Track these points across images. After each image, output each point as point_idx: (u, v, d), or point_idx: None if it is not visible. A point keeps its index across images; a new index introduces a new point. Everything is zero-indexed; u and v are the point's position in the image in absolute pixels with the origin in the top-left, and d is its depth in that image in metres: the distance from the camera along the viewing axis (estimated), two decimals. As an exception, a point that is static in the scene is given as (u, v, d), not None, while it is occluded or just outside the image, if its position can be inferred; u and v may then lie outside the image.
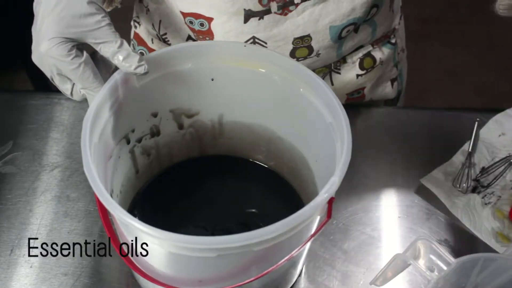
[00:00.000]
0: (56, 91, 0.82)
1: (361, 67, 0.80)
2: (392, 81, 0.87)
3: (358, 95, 0.83)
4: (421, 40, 2.13)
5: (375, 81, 0.83)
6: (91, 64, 0.54)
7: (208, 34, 0.72)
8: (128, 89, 0.58)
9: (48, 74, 0.55)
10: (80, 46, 0.54)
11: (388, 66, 0.84)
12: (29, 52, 0.55)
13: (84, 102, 0.56)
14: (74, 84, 0.56)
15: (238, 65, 0.62)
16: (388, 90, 0.86)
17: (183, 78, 0.62)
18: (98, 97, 0.54)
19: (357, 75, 0.80)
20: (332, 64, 0.79)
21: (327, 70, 0.79)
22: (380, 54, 0.81)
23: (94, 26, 0.54)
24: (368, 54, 0.80)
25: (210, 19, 0.70)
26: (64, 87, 0.56)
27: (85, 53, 0.54)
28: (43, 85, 1.66)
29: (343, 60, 0.79)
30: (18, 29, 1.44)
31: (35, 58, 0.55)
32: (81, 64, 0.53)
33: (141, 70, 0.54)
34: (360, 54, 0.80)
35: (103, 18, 0.54)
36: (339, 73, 0.80)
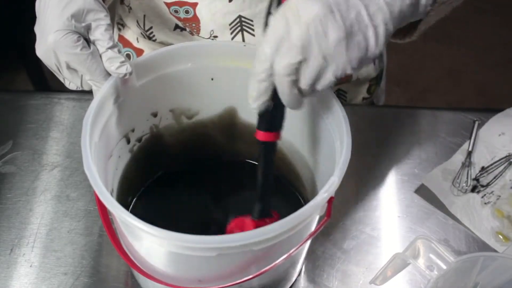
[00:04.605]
0: (56, 90, 0.83)
1: None
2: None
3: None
4: (421, 40, 2.12)
5: None
6: (99, 56, 0.54)
7: (194, 21, 0.72)
8: (128, 88, 0.58)
9: (54, 68, 0.55)
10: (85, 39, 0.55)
11: None
12: (28, 52, 0.55)
13: (83, 102, 0.56)
14: (82, 75, 0.56)
15: (238, 65, 0.62)
16: (370, 67, 0.86)
17: (183, 78, 0.62)
18: (98, 97, 0.54)
19: None
20: None
21: None
22: None
23: (94, 23, 0.54)
24: None
25: (194, 4, 0.70)
26: (74, 79, 0.56)
27: (92, 45, 0.55)
28: (43, 85, 1.67)
29: None
30: (18, 29, 1.44)
31: (41, 52, 0.55)
32: (89, 56, 0.53)
33: (123, 70, 0.54)
34: None
35: (105, 17, 0.55)
36: None
